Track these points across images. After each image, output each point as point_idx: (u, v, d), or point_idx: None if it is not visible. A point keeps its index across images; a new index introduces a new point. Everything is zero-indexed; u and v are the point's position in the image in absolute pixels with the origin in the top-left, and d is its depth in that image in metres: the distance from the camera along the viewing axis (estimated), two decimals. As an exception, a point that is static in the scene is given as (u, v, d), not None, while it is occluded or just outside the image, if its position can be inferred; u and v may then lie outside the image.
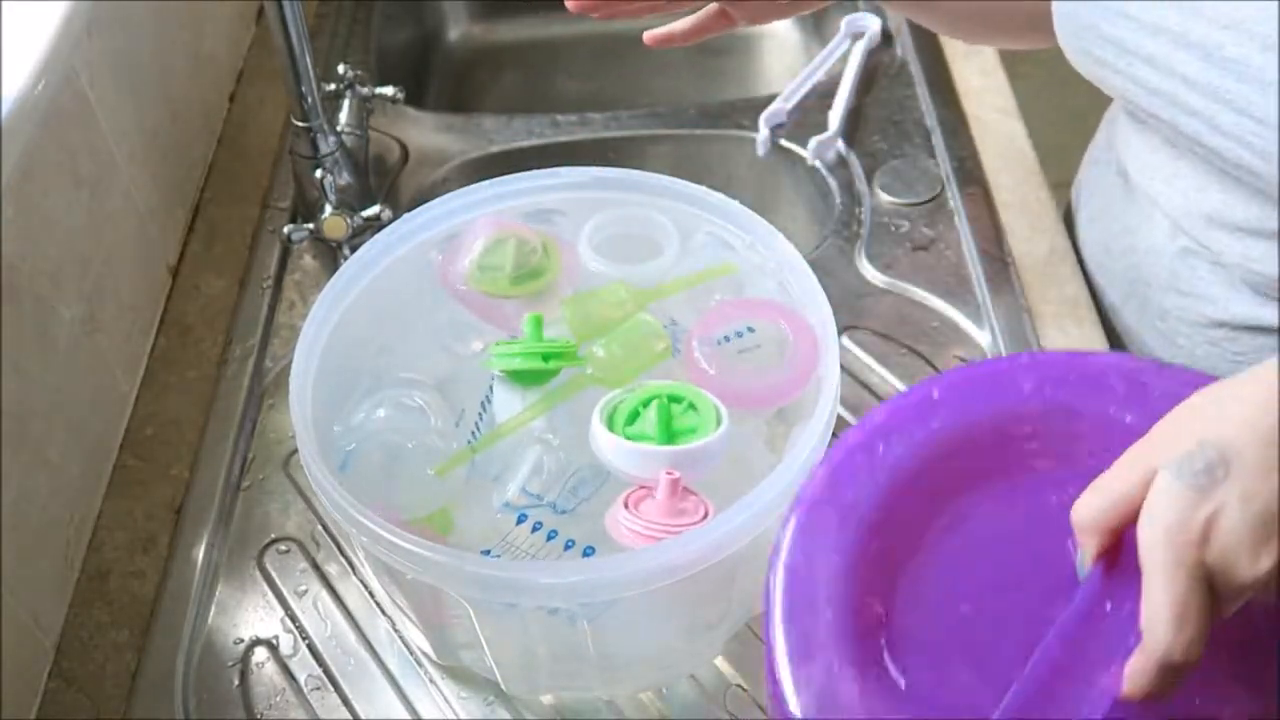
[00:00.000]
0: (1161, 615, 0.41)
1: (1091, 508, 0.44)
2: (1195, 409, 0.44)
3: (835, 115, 0.96)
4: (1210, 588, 0.41)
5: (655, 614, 0.61)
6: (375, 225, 0.84)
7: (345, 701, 0.64)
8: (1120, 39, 0.65)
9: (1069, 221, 0.87)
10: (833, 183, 0.93)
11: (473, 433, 0.62)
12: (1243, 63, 0.59)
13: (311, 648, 0.67)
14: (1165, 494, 0.42)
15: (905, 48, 1.04)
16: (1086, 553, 0.45)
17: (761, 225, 0.66)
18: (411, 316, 0.68)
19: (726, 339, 0.64)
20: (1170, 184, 0.69)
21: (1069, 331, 0.80)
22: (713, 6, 0.72)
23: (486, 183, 0.69)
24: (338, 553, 0.71)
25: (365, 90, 0.94)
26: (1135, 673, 0.42)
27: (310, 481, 0.56)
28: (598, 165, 0.71)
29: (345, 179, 0.86)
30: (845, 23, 1.05)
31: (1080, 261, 0.84)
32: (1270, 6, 0.57)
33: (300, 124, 0.82)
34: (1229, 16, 0.59)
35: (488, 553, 0.57)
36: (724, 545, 0.52)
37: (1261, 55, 0.58)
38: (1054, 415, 0.51)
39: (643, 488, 0.56)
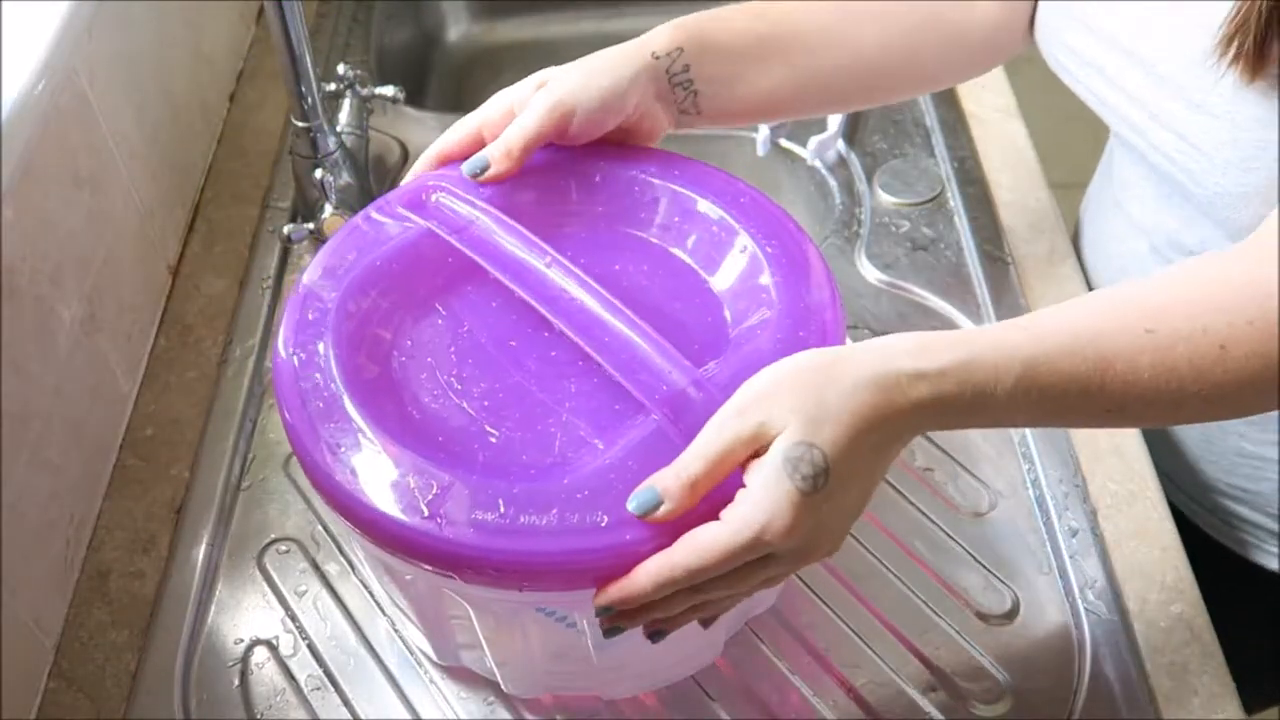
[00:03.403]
0: (699, 563, 0.45)
1: (697, 464, 0.46)
2: (805, 389, 0.45)
3: (835, 115, 0.96)
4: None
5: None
6: (375, 225, 0.84)
7: (345, 701, 0.64)
8: (1082, 49, 0.65)
9: (1076, 230, 0.88)
10: (833, 182, 0.93)
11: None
12: (1173, 80, 0.59)
13: (311, 648, 0.67)
14: (776, 489, 0.44)
15: (905, 48, 1.04)
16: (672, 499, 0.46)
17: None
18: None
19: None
20: (1143, 204, 0.70)
21: (1069, 331, 0.80)
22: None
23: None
24: (338, 553, 0.71)
25: (365, 90, 0.94)
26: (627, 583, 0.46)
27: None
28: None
29: (345, 179, 0.86)
30: (845, 22, 1.05)
31: (1081, 264, 0.84)
32: (1203, 26, 0.56)
33: (300, 124, 0.82)
34: (1169, 34, 0.59)
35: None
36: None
37: (1189, 74, 0.58)
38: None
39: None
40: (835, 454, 0.44)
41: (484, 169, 0.60)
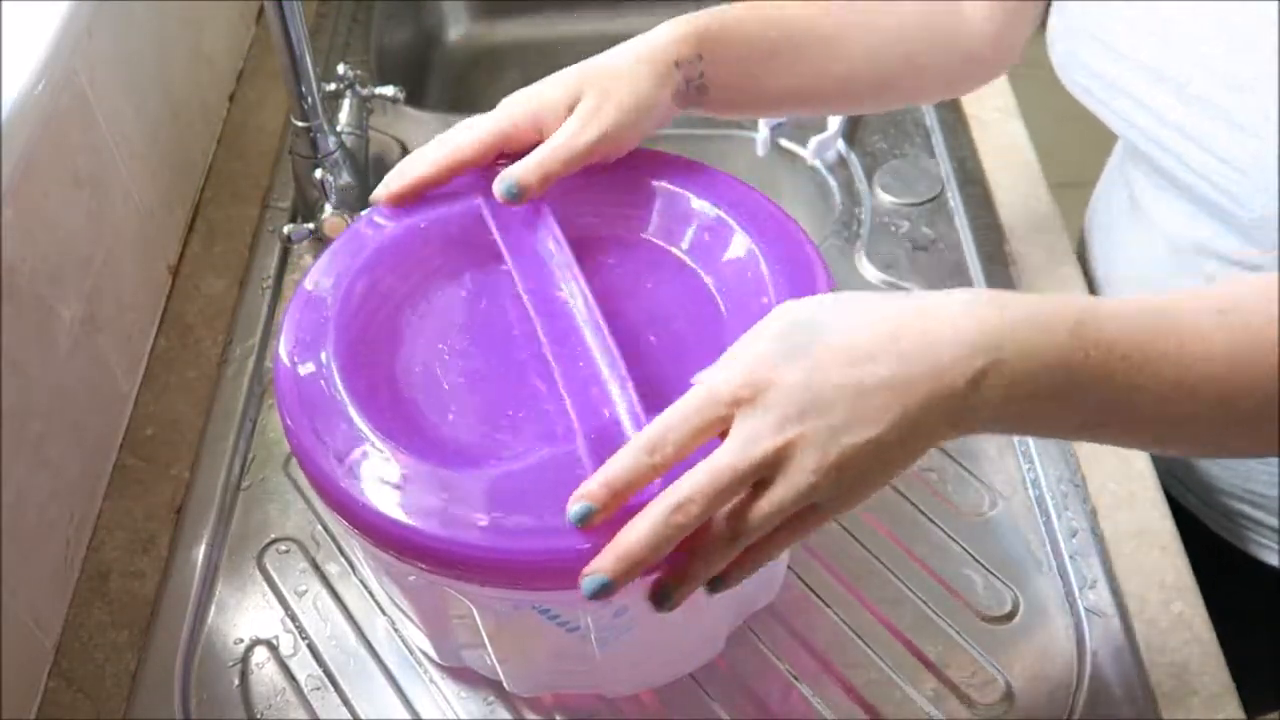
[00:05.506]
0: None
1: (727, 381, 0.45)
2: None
3: (835, 115, 0.96)
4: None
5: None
6: (375, 225, 0.84)
7: (345, 701, 0.64)
8: (1103, 72, 0.65)
9: (1083, 231, 0.87)
10: (833, 183, 0.93)
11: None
12: (1209, 101, 0.58)
13: (311, 648, 0.67)
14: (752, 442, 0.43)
15: (905, 48, 1.04)
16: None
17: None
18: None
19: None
20: (1169, 209, 0.69)
21: (1069, 331, 0.80)
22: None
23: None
24: (338, 553, 0.71)
25: (365, 90, 0.94)
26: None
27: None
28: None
29: (345, 179, 0.86)
30: (845, 22, 1.05)
31: (1086, 271, 0.84)
32: (1237, 47, 0.56)
33: (300, 124, 0.82)
34: (1198, 54, 0.58)
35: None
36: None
37: (1227, 95, 0.57)
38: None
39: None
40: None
41: (517, 194, 0.58)
